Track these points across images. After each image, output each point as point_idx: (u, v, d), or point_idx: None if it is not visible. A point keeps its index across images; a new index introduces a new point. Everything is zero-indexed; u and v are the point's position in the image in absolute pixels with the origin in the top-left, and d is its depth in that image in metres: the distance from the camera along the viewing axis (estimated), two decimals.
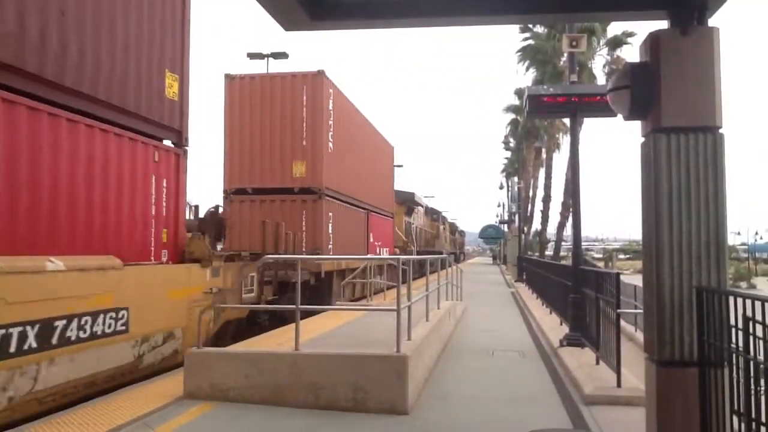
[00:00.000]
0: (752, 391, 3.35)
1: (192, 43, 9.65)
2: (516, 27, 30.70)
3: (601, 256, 76.89)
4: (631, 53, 30.12)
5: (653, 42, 4.26)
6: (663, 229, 4.10)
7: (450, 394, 6.91)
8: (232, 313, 9.61)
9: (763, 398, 3.24)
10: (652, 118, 4.25)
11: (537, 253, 35.54)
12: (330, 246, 15.06)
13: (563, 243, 33.30)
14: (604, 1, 5.00)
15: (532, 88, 11.84)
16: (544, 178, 36.41)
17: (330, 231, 15.08)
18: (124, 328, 7.09)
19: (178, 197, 8.94)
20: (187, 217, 9.82)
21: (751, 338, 3.37)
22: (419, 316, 8.44)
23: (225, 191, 14.80)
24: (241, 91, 14.84)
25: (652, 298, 4.19)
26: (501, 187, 57.38)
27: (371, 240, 20.45)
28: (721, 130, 4.12)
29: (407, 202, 31.85)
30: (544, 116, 23.68)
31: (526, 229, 43.44)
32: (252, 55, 26.05)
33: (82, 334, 6.48)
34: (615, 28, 28.30)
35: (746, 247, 73.83)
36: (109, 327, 6.91)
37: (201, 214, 10.80)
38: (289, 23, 4.96)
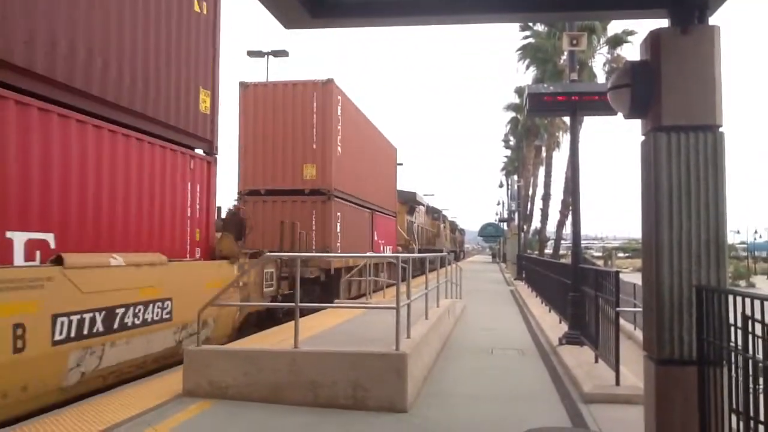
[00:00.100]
0: (751, 390, 3.35)
1: None
2: (516, 25, 30.69)
3: (600, 254, 76.94)
4: (632, 52, 30.09)
5: (654, 40, 4.26)
6: (663, 227, 4.10)
7: (449, 392, 6.91)
8: (258, 302, 10.78)
9: (762, 397, 3.24)
10: (652, 117, 4.25)
11: (536, 252, 35.57)
12: (338, 244, 15.82)
13: (563, 241, 33.30)
14: None
15: (532, 87, 11.84)
16: (544, 177, 36.42)
17: (338, 230, 15.91)
18: (168, 316, 8.01)
19: (209, 201, 10.02)
20: None
21: (751, 337, 3.37)
22: (419, 314, 8.44)
23: (239, 192, 15.51)
24: (255, 98, 15.68)
25: (652, 297, 4.19)
26: (501, 186, 57.42)
27: (376, 238, 21.15)
28: (721, 129, 4.12)
29: (409, 201, 32.46)
30: (544, 114, 23.67)
31: (525, 227, 43.45)
32: (252, 53, 26.02)
33: (136, 321, 7.45)
34: (615, 27, 28.28)
35: (746, 245, 73.82)
36: (157, 315, 7.89)
37: (222, 215, 11.41)
38: (289, 21, 4.95)
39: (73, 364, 6.52)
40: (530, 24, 30.01)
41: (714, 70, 4.12)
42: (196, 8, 9.76)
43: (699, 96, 4.10)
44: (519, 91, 39.72)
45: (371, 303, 12.52)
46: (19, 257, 6.13)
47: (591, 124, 44.63)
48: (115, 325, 7.06)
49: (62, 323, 6.24)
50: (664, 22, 4.38)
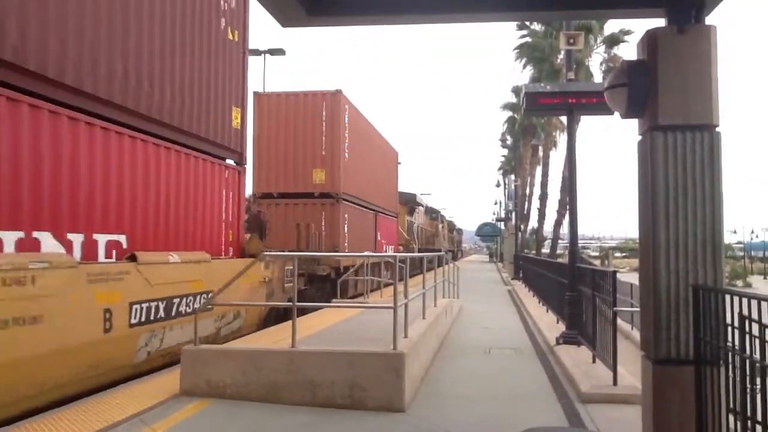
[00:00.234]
0: (748, 389, 3.35)
1: None
2: (513, 24, 30.70)
3: (597, 254, 76.95)
4: (628, 51, 30.14)
5: (650, 40, 4.26)
6: (660, 227, 4.11)
7: (446, 392, 6.91)
8: (281, 297, 11.87)
9: (758, 396, 3.25)
10: (649, 116, 4.26)
11: (533, 251, 35.59)
12: (345, 244, 16.92)
13: (560, 241, 33.32)
14: None
15: (529, 86, 11.84)
16: (541, 176, 36.43)
17: (346, 231, 16.99)
18: (210, 307, 8.73)
19: (239, 206, 11.25)
20: None
21: (747, 336, 3.38)
22: (416, 313, 8.44)
23: (253, 195, 16.22)
24: (268, 107, 16.62)
25: (649, 297, 4.19)
26: (498, 185, 57.31)
27: (379, 238, 22.13)
28: (717, 129, 4.13)
29: (409, 202, 33.64)
30: (541, 114, 23.69)
31: (522, 226, 43.47)
32: (249, 51, 25.97)
33: (187, 309, 8.56)
34: (612, 26, 28.35)
35: (742, 245, 73.93)
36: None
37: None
38: (286, 19, 4.94)
39: (142, 344, 7.77)
40: (527, 23, 30.05)
41: (711, 69, 4.12)
42: (230, 36, 11.01)
43: (696, 95, 4.11)
44: (516, 91, 39.79)
45: (369, 302, 12.55)
46: (101, 255, 7.37)
47: (588, 123, 44.71)
48: (173, 313, 8.30)
49: (136, 310, 7.50)
50: (661, 22, 4.39)
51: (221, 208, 10.55)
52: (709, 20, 4.27)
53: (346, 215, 16.97)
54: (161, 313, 8.00)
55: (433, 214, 48.82)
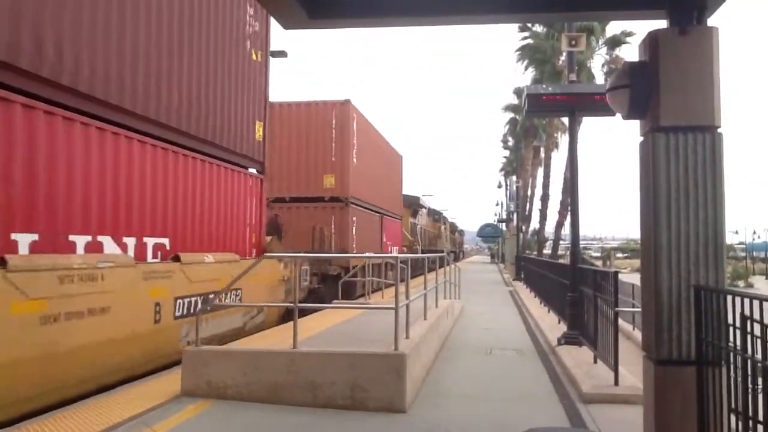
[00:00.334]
0: (750, 390, 3.35)
1: None
2: (515, 26, 30.73)
3: (599, 254, 76.92)
4: (630, 53, 30.13)
5: (652, 41, 4.26)
6: (661, 228, 4.11)
7: (448, 393, 6.91)
8: (298, 294, 12.36)
9: (760, 396, 3.25)
10: (650, 118, 4.26)
11: (535, 252, 35.57)
12: (354, 245, 17.82)
13: (561, 242, 33.31)
14: (604, 0, 5.00)
15: (531, 87, 11.85)
16: (543, 177, 36.43)
17: (354, 233, 17.93)
18: (239, 302, 10.11)
19: (261, 210, 12.26)
20: None
21: (749, 337, 3.37)
22: (418, 314, 8.44)
23: (267, 199, 16.41)
24: (280, 116, 17.26)
25: (651, 297, 4.19)
26: (499, 186, 57.41)
27: (384, 240, 23.09)
28: (719, 130, 4.13)
29: (413, 205, 34.64)
30: (542, 115, 23.66)
31: (524, 227, 43.47)
32: None
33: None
34: (614, 28, 28.33)
35: (744, 246, 73.88)
36: (232, 301, 10.14)
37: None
38: (288, 22, 4.96)
39: (184, 334, 8.67)
40: (529, 25, 30.05)
41: (712, 70, 4.12)
42: (254, 57, 12.04)
43: (697, 97, 4.11)
44: (518, 92, 39.76)
45: (370, 303, 12.58)
46: (149, 256, 8.29)
47: (590, 124, 44.66)
48: (208, 307, 8.79)
49: (180, 304, 8.52)
50: (662, 23, 4.39)
51: (246, 213, 11.59)
52: (710, 22, 4.27)
53: (354, 218, 17.86)
54: (199, 307, 8.67)
55: (435, 215, 49.41)
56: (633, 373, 7.01)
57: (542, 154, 37.48)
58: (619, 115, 4.60)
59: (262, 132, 12.50)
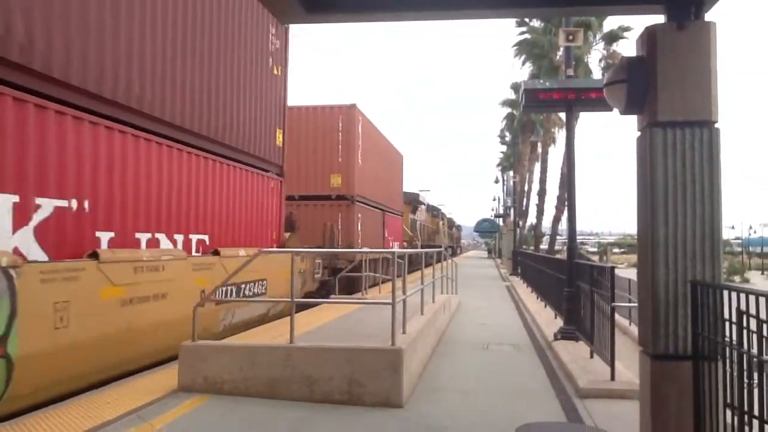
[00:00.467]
0: (745, 385, 3.37)
1: None
2: (512, 21, 30.69)
3: (596, 249, 77.10)
4: (628, 48, 30.16)
5: (649, 36, 4.26)
6: (658, 223, 4.11)
7: (444, 388, 6.93)
8: (311, 285, 14.47)
9: (756, 391, 3.26)
10: (648, 113, 4.26)
11: (532, 247, 35.63)
12: (359, 241, 18.91)
13: (558, 237, 33.36)
14: None
15: (528, 83, 11.83)
16: (540, 172, 36.47)
17: (359, 229, 18.99)
18: (264, 291, 11.31)
19: (280, 209, 13.52)
20: None
21: (745, 332, 3.38)
22: (414, 309, 8.45)
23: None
24: (289, 119, 17.89)
25: (647, 292, 4.20)
26: (496, 181, 57.32)
27: (386, 235, 24.06)
28: (717, 125, 4.13)
29: (413, 201, 35.94)
30: (540, 110, 23.71)
31: (521, 223, 43.50)
32: None
33: (249, 293, 10.73)
34: (611, 23, 28.35)
35: (740, 241, 74.07)
36: (259, 290, 11.21)
37: None
38: (285, 16, 4.96)
39: (221, 318, 9.84)
40: (526, 20, 30.02)
41: (710, 66, 4.12)
42: (275, 71, 13.24)
43: (695, 92, 4.11)
44: (515, 87, 39.76)
45: (367, 298, 12.59)
46: (193, 250, 9.49)
47: (587, 119, 44.70)
48: (241, 295, 10.42)
49: (219, 291, 8.97)
50: (660, 18, 4.37)
51: (269, 212, 12.86)
52: (708, 16, 4.26)
53: (359, 215, 18.93)
54: (233, 295, 10.20)
55: (434, 211, 50.05)
56: (629, 368, 7.03)
57: (539, 150, 37.51)
58: (616, 111, 4.59)
59: (282, 138, 13.78)
